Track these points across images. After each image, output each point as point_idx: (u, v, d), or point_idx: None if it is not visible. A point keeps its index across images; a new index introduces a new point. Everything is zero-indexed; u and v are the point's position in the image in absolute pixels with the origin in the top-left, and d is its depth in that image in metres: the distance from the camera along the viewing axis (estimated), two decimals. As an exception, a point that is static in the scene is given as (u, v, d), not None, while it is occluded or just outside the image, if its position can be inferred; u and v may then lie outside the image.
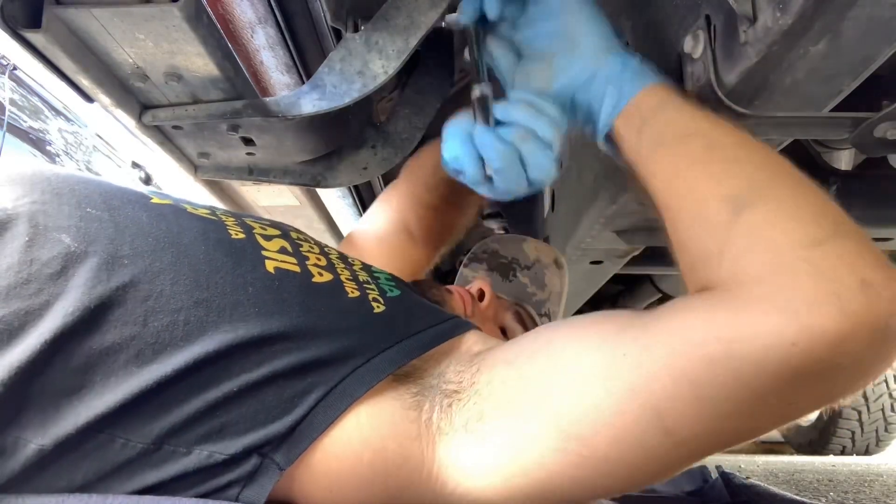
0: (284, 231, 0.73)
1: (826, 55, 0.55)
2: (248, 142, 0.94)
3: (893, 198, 1.01)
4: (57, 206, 0.55)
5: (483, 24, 0.69)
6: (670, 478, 0.54)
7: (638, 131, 0.60)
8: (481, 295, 0.96)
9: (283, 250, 0.66)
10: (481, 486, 0.53)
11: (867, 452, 3.18)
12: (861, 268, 0.43)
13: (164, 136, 0.94)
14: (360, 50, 0.77)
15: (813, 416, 3.22)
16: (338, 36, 0.82)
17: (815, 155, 1.06)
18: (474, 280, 1.06)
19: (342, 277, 0.67)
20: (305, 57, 1.03)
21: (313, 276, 0.64)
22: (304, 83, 0.85)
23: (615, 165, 0.69)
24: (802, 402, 0.46)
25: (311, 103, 0.81)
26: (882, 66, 0.57)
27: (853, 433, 3.15)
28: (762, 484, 1.24)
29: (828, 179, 1.04)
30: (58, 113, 2.40)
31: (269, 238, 0.67)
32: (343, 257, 0.75)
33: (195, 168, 1.05)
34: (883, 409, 3.07)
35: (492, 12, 0.66)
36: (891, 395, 3.04)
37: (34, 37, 0.67)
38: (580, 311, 1.83)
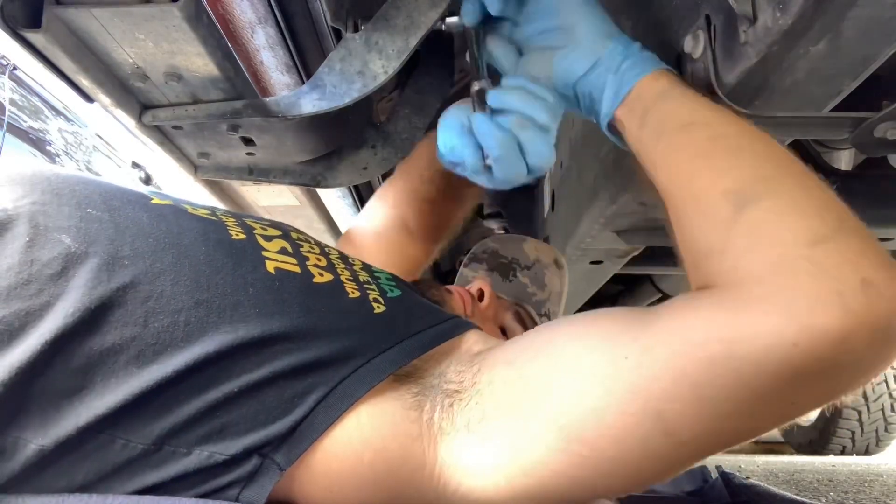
0: (285, 231, 0.73)
1: (826, 55, 0.55)
2: (248, 142, 0.95)
3: (893, 198, 1.01)
4: (57, 206, 0.55)
5: (483, 24, 0.70)
6: (672, 478, 0.54)
7: (640, 120, 0.60)
8: (481, 295, 0.96)
9: (283, 251, 0.66)
10: (482, 486, 0.53)
11: (867, 452, 3.19)
12: (863, 266, 0.43)
13: (164, 136, 0.94)
14: (360, 50, 0.77)
15: (813, 415, 3.23)
16: (338, 36, 0.82)
17: (815, 155, 1.06)
18: (474, 280, 1.06)
19: (342, 278, 0.67)
20: (305, 57, 1.03)
21: (314, 276, 0.64)
22: (304, 83, 0.85)
23: (615, 165, 0.69)
24: (803, 401, 0.46)
25: (311, 103, 0.81)
26: (882, 66, 0.57)
27: (853, 433, 3.15)
28: (762, 484, 1.25)
29: (828, 179, 1.04)
30: (58, 113, 2.40)
31: (269, 238, 0.67)
32: (344, 257, 0.75)
33: (195, 168, 1.05)
34: (883, 409, 3.07)
35: (494, 8, 0.66)
36: (891, 395, 3.04)
37: (34, 37, 0.67)
38: (580, 311, 1.83)
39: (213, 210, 0.70)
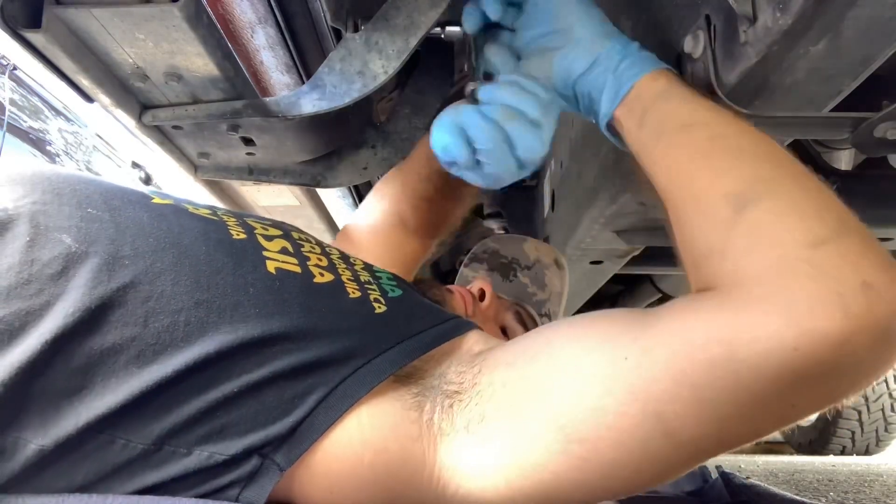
0: (286, 231, 0.72)
1: (826, 55, 0.55)
2: (248, 142, 0.95)
3: (893, 198, 1.01)
4: (58, 206, 0.55)
5: (483, 32, 0.70)
6: (673, 480, 0.54)
7: (639, 120, 0.60)
8: (482, 295, 0.96)
9: (284, 251, 0.66)
10: (482, 488, 0.53)
11: (867, 452, 3.19)
12: (863, 268, 0.43)
13: (164, 136, 0.94)
14: (360, 50, 0.77)
15: (813, 416, 3.22)
16: (338, 36, 0.82)
17: (816, 155, 1.06)
18: (475, 280, 1.06)
19: (343, 278, 0.67)
20: (305, 57, 1.03)
21: (314, 276, 0.64)
22: (304, 83, 0.85)
23: (615, 165, 0.69)
24: (804, 404, 0.46)
25: (311, 103, 0.81)
26: (882, 66, 0.57)
27: (853, 433, 3.15)
28: (762, 484, 1.24)
29: (828, 179, 1.04)
30: (58, 113, 2.40)
31: (270, 238, 0.67)
32: (345, 257, 0.75)
33: (195, 168, 1.05)
34: (883, 409, 3.07)
35: (493, 13, 0.66)
36: (891, 395, 3.05)
37: (34, 37, 0.67)
38: (580, 311, 1.83)
39: (213, 210, 0.70)
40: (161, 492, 0.48)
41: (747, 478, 1.30)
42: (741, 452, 2.94)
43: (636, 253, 1.31)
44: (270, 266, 0.62)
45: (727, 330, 0.44)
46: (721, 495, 1.25)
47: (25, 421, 0.45)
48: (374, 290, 0.68)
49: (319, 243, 0.75)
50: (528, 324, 1.03)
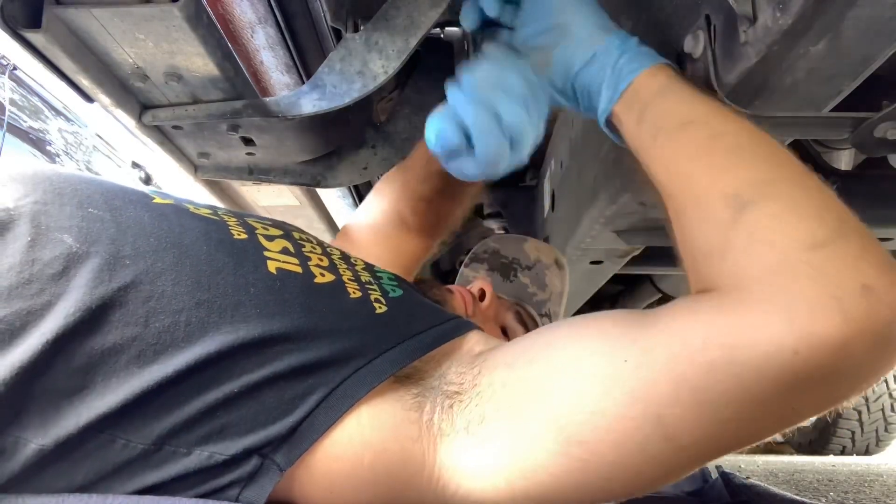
0: (287, 231, 0.72)
1: (826, 55, 0.55)
2: (248, 142, 0.95)
3: (893, 198, 1.01)
4: (59, 206, 0.55)
5: (482, 30, 0.70)
6: (673, 482, 0.54)
7: (638, 117, 0.59)
8: (482, 295, 0.96)
9: (285, 251, 0.66)
10: (482, 489, 0.53)
11: (867, 452, 3.18)
12: (863, 271, 0.43)
13: (164, 136, 0.94)
14: (360, 50, 0.77)
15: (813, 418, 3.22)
16: (338, 36, 0.82)
17: (816, 155, 1.06)
18: (475, 280, 1.06)
19: (344, 278, 0.67)
20: (305, 57, 1.03)
21: (315, 276, 0.64)
22: (304, 83, 0.85)
23: (615, 165, 0.69)
24: (804, 407, 0.46)
25: (311, 103, 0.81)
26: (882, 66, 0.57)
27: (853, 433, 3.15)
28: (762, 484, 1.24)
29: (828, 179, 1.04)
30: (58, 113, 2.40)
31: (271, 238, 0.67)
32: (346, 257, 0.74)
33: (195, 168, 1.05)
34: (883, 410, 3.07)
35: (491, 9, 0.66)
36: (891, 395, 3.04)
37: (34, 37, 0.67)
38: (580, 311, 1.83)
39: (214, 209, 0.70)
40: (161, 492, 0.48)
41: (747, 478, 1.30)
42: (741, 452, 2.93)
43: (636, 253, 1.31)
44: (271, 266, 0.62)
45: (727, 332, 0.44)
46: (721, 495, 1.25)
47: (26, 421, 0.45)
48: (374, 290, 0.68)
49: (320, 243, 0.75)
50: (528, 324, 1.03)
